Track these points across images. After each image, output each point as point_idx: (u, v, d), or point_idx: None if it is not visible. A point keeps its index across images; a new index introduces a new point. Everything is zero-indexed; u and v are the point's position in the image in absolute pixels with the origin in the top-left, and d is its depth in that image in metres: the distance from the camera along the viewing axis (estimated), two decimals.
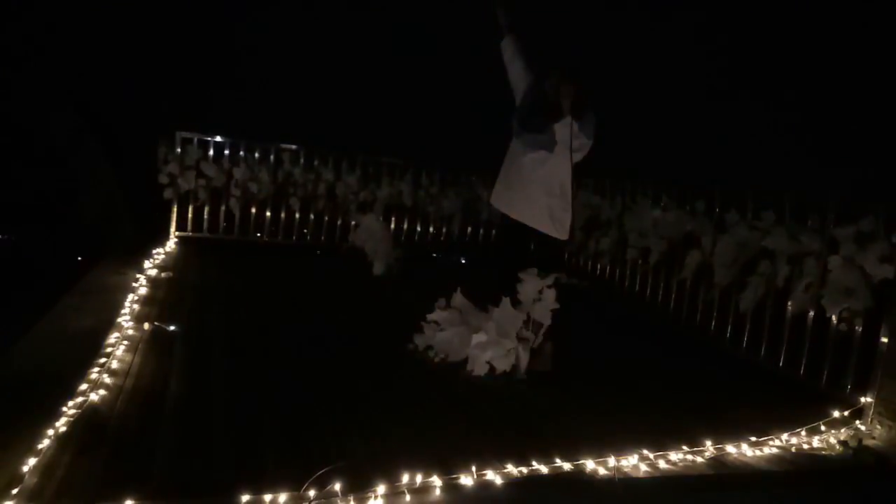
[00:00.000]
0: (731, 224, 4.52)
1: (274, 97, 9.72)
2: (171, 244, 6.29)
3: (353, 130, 9.01)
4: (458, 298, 3.75)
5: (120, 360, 2.97)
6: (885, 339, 3.24)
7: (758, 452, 2.82)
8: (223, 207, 6.70)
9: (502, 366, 3.42)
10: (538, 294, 3.44)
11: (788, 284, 4.00)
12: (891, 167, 7.81)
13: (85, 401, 2.47)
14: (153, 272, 4.81)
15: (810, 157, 8.71)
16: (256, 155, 6.78)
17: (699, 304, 4.83)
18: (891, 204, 3.47)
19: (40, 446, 2.08)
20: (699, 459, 2.67)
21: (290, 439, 2.42)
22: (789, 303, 3.98)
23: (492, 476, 2.26)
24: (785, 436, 2.99)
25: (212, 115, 7.75)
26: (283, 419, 2.59)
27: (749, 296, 4.26)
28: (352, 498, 2.02)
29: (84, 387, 2.59)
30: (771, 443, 2.92)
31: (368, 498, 2.05)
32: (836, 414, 3.23)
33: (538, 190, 3.54)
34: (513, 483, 2.28)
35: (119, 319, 3.52)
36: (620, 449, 2.58)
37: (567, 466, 2.41)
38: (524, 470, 2.35)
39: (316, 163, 6.98)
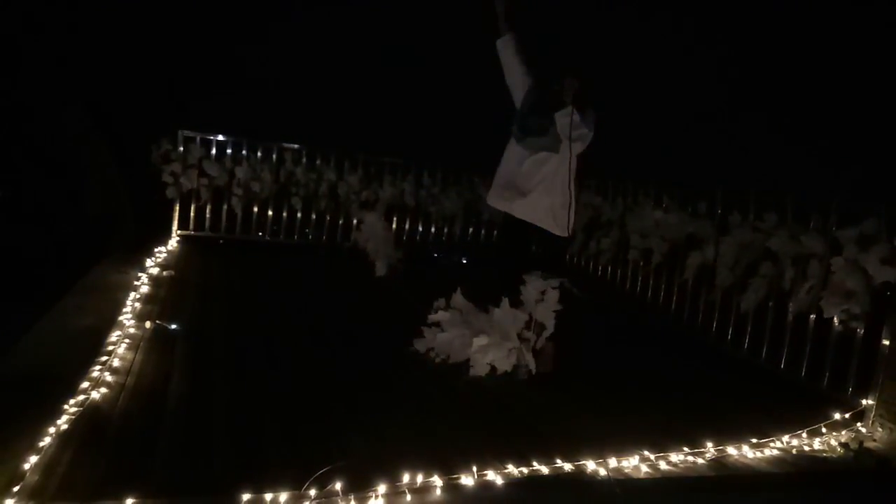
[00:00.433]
0: (733, 225, 4.51)
1: (277, 96, 9.72)
2: (172, 243, 6.30)
3: (355, 130, 9.01)
4: (459, 299, 3.74)
5: (121, 359, 2.98)
6: (886, 342, 3.24)
7: (758, 454, 2.82)
8: (225, 206, 6.71)
9: (503, 366, 3.42)
10: (541, 295, 3.44)
11: (790, 286, 4.00)
12: (892, 168, 7.80)
13: (86, 399, 2.48)
14: (155, 271, 4.82)
15: (810, 157, 8.70)
16: (259, 154, 6.79)
17: (700, 305, 4.82)
18: (893, 206, 3.46)
19: (42, 444, 2.08)
20: (700, 461, 2.67)
21: (291, 438, 2.42)
22: (790, 304, 3.98)
23: (492, 476, 2.27)
24: (786, 438, 2.99)
25: (214, 114, 7.75)
26: (284, 418, 2.59)
27: (751, 297, 4.26)
28: (352, 497, 2.02)
29: (85, 385, 2.59)
30: (772, 444, 2.91)
31: (369, 497, 2.05)
32: (837, 416, 3.23)
33: (539, 187, 3.54)
34: (513, 483, 2.28)
35: (121, 318, 3.52)
36: (621, 450, 2.58)
37: (568, 467, 2.41)
38: (525, 470, 2.35)
39: (318, 162, 6.99)
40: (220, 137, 6.67)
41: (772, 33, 9.37)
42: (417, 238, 7.45)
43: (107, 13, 7.90)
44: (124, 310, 3.68)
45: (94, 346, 3.04)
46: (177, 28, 8.87)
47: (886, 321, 3.28)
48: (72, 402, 2.42)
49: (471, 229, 7.66)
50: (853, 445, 2.99)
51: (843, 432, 3.15)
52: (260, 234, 6.90)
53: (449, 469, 2.25)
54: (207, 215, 6.71)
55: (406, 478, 2.15)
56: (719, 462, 2.70)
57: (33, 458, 2.00)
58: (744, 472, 2.66)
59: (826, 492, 2.73)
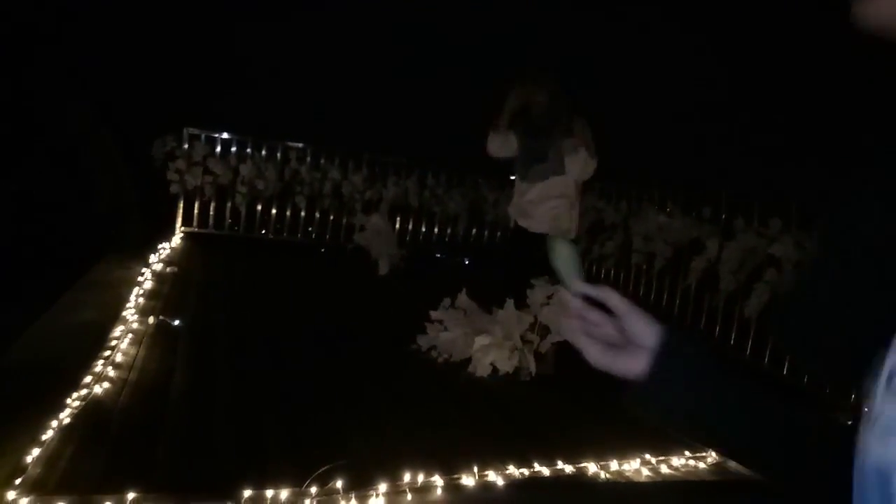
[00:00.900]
0: (737, 231, 4.51)
1: (282, 95, 9.74)
2: (176, 239, 6.31)
3: (359, 129, 9.02)
4: (463, 299, 3.74)
5: (124, 354, 2.98)
6: None
7: None
8: (229, 204, 6.71)
9: (505, 367, 3.42)
10: (546, 299, 3.44)
11: None
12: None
13: (89, 393, 2.48)
14: (159, 267, 4.83)
15: (810, 157, 8.67)
16: (263, 152, 6.79)
17: (704, 309, 4.81)
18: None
19: (44, 437, 2.09)
20: (701, 465, 2.66)
21: (293, 435, 2.42)
22: None
23: (493, 477, 2.26)
24: None
25: (220, 111, 7.77)
26: (286, 415, 2.59)
27: (754, 302, 4.25)
28: (353, 495, 2.02)
29: (88, 379, 2.59)
30: None
31: (370, 496, 2.05)
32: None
33: (542, 193, 3.60)
34: (514, 484, 2.28)
35: (124, 313, 3.53)
36: (622, 453, 2.58)
37: (569, 469, 2.41)
38: (526, 472, 2.35)
39: (322, 161, 6.98)
40: (225, 135, 6.68)
41: (772, 34, 9.34)
42: (420, 238, 7.45)
43: (114, 11, 7.93)
44: (128, 305, 3.69)
45: (97, 341, 3.04)
46: (183, 26, 8.90)
47: None
48: (74, 396, 2.43)
49: (474, 230, 7.65)
50: None
51: None
52: (263, 231, 6.90)
53: (450, 469, 2.25)
54: (211, 212, 6.72)
55: (407, 477, 2.14)
56: (721, 466, 2.69)
57: (35, 452, 2.00)
58: (745, 477, 2.65)
59: None
